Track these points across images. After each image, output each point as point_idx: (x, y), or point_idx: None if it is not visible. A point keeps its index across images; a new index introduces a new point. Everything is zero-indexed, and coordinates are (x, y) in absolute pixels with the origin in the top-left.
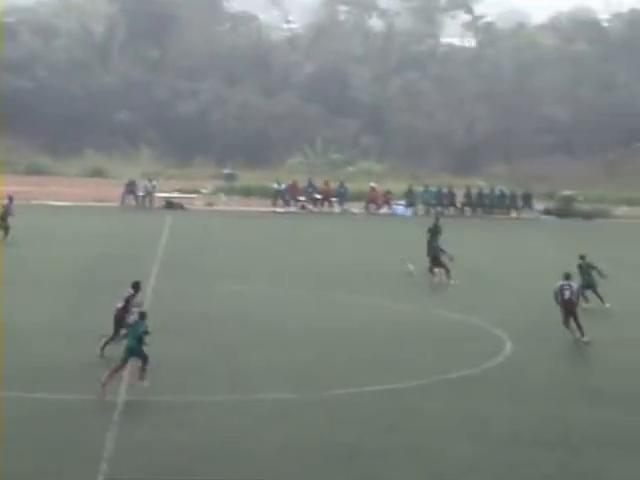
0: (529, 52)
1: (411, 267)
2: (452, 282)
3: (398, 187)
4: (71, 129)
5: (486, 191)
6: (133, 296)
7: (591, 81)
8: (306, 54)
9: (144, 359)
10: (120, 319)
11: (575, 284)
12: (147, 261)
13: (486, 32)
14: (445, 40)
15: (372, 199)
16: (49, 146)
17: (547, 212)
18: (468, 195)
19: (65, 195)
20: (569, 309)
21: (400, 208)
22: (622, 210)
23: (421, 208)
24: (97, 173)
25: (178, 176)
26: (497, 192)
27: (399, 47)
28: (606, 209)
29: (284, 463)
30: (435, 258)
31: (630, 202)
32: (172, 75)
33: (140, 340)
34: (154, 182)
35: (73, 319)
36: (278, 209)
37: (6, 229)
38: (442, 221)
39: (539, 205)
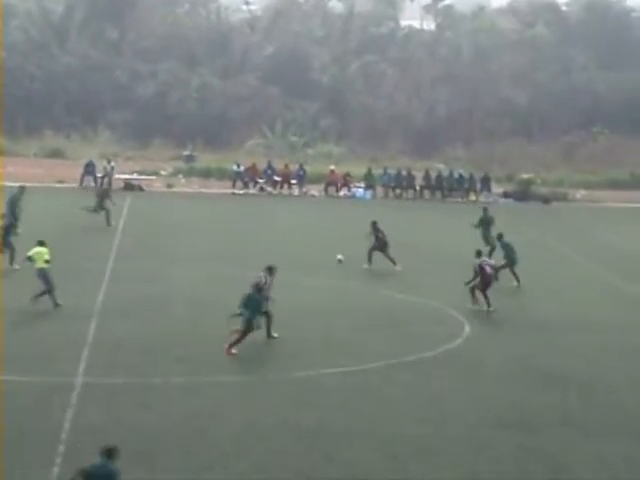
0: (488, 35)
1: (339, 257)
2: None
3: (357, 170)
4: (29, 110)
5: (445, 174)
6: (269, 281)
7: (549, 65)
8: (265, 36)
9: (250, 328)
10: (261, 309)
11: (491, 260)
12: (106, 243)
13: (446, 15)
14: (405, 23)
15: (331, 182)
16: (6, 127)
17: (505, 195)
18: (427, 178)
19: (23, 176)
20: (489, 284)
21: (359, 191)
22: (580, 194)
23: (380, 191)
24: (55, 154)
25: (137, 157)
26: (456, 175)
27: (359, 29)
28: (564, 192)
29: (244, 445)
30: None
31: (587, 186)
32: (131, 56)
33: (256, 310)
34: (112, 163)
35: (34, 303)
36: (237, 191)
37: (107, 213)
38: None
39: (497, 188)
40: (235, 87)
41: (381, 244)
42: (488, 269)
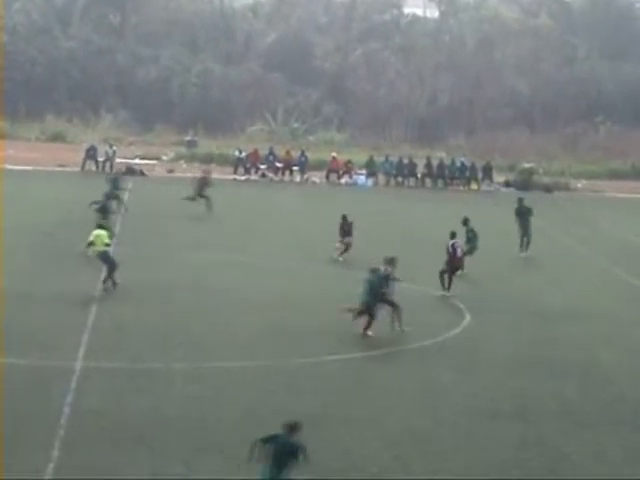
0: (491, 24)
1: (335, 255)
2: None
3: (359, 157)
4: (30, 93)
5: (447, 162)
6: (390, 272)
7: (552, 55)
8: (268, 22)
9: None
10: (379, 293)
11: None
12: None
13: (449, 3)
14: (408, 10)
15: (333, 169)
16: (8, 110)
17: (507, 184)
18: (429, 166)
19: (24, 159)
20: (459, 266)
21: (361, 178)
22: (581, 183)
23: (382, 178)
24: (57, 138)
25: (139, 142)
26: (458, 164)
27: (362, 16)
28: (566, 182)
29: (244, 431)
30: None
31: (589, 176)
32: (133, 41)
33: (375, 294)
34: (114, 148)
35: (37, 286)
36: (238, 177)
37: (207, 200)
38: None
39: (499, 177)
40: (237, 73)
41: (344, 233)
42: (459, 251)
